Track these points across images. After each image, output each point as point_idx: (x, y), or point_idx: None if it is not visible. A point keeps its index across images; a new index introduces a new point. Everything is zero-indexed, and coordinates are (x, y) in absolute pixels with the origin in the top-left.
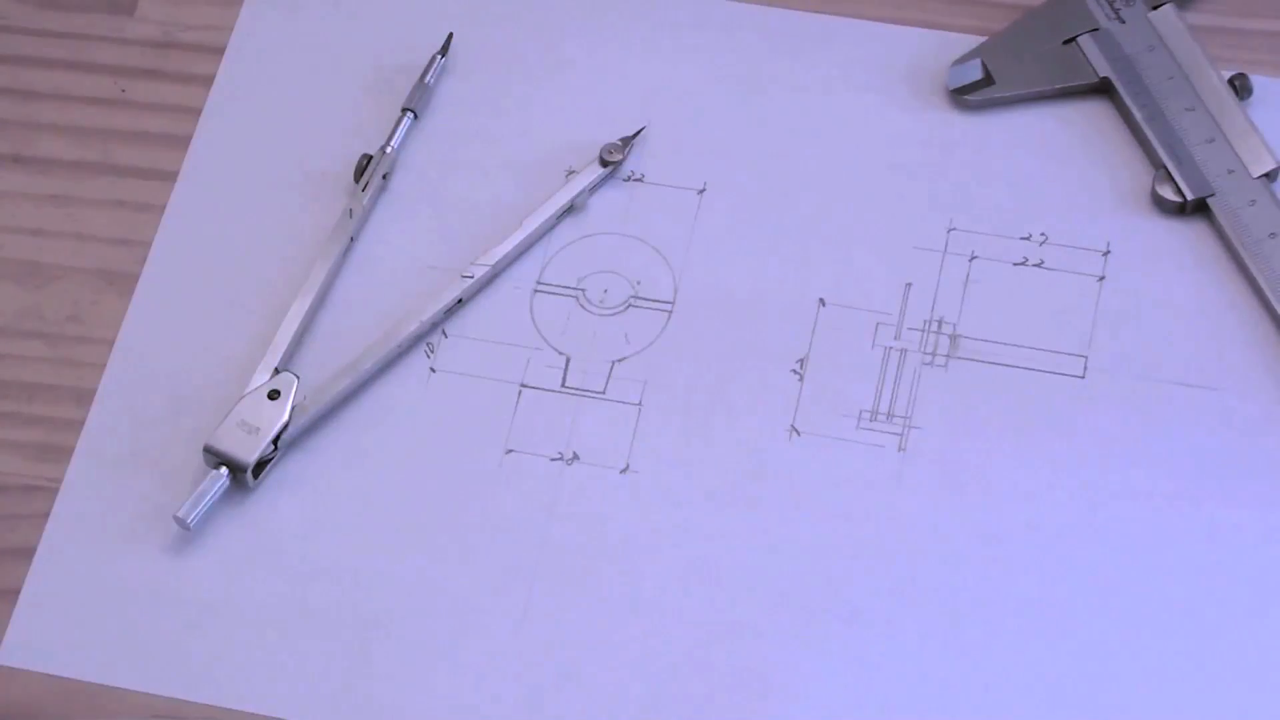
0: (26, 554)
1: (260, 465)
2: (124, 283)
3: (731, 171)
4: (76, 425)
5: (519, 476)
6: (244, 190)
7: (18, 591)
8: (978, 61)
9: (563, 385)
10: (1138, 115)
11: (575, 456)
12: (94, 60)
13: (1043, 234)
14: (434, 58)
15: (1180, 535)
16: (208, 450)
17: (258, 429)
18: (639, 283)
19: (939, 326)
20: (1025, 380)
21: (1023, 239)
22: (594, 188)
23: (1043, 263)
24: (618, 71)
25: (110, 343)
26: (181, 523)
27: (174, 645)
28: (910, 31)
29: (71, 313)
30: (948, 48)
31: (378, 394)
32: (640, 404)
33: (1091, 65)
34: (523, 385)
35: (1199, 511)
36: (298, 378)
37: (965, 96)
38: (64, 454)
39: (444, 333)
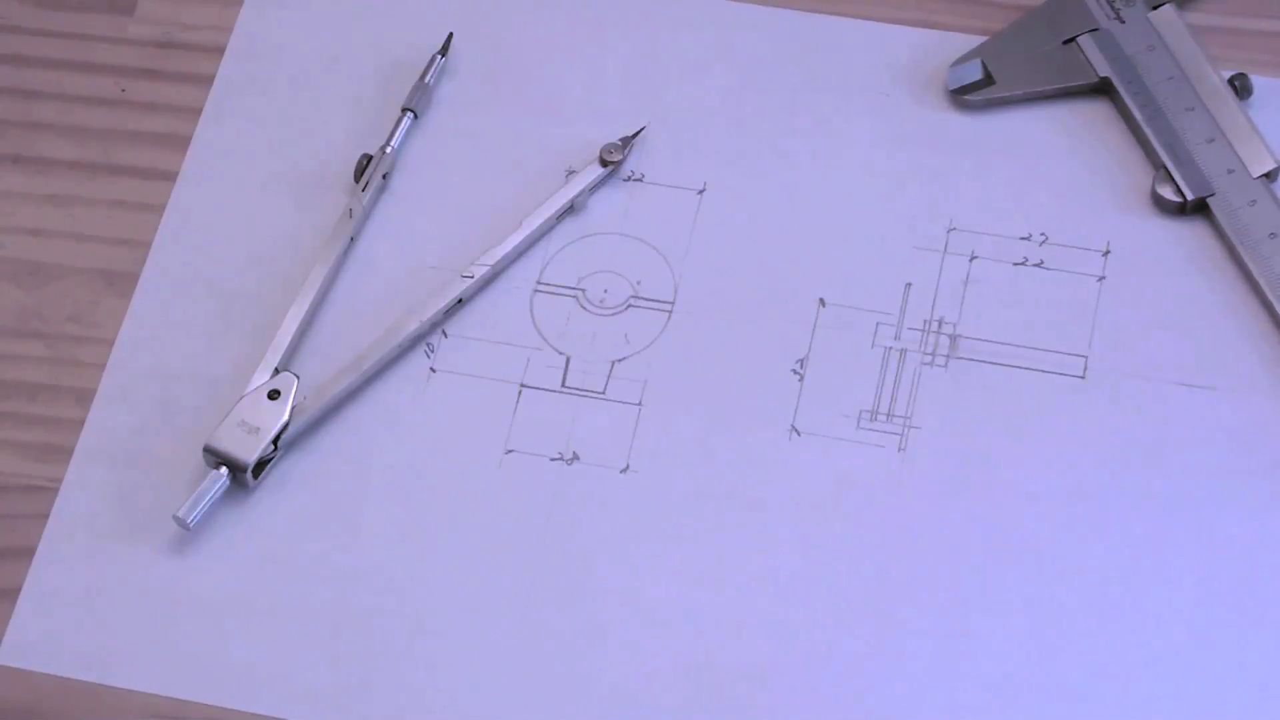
0: (26, 554)
1: (260, 465)
2: (124, 283)
3: (731, 171)
4: (76, 425)
5: (519, 476)
6: (244, 190)
7: (18, 591)
8: (978, 61)
9: (563, 385)
10: (1138, 115)
11: (575, 456)
12: (94, 60)
13: (1043, 234)
14: (434, 58)
15: (1180, 535)
16: (208, 450)
17: (258, 429)
18: (639, 283)
19: (939, 326)
20: (1025, 380)
21: (1023, 239)
22: (594, 188)
23: (1043, 263)
24: (618, 71)
25: (110, 343)
26: (181, 523)
27: (174, 645)
28: (910, 31)
29: (71, 313)
30: (948, 48)
31: (378, 394)
32: (640, 404)
33: (1091, 65)
34: (523, 385)
35: (1198, 511)
36: (298, 378)
37: (965, 96)
38: (64, 454)
39: (444, 333)
